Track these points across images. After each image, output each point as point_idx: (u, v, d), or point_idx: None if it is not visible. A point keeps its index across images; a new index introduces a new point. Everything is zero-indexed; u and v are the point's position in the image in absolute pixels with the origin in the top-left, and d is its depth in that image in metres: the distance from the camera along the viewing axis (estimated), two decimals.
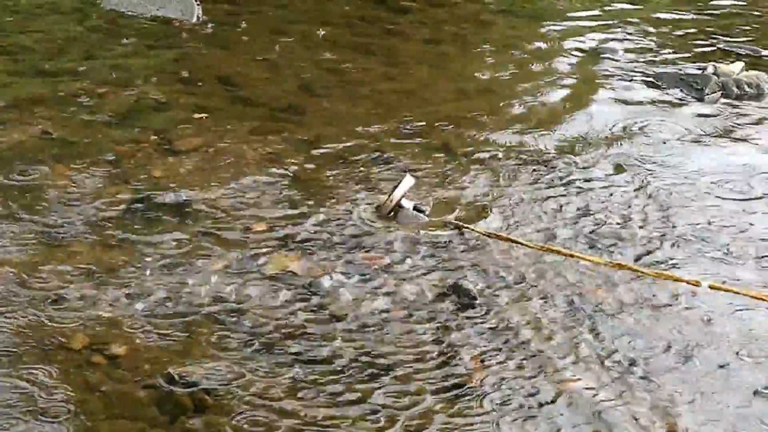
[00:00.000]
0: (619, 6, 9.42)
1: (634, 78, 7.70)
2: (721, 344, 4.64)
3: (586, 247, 5.37)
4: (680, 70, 7.80)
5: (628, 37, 8.60)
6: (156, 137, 6.43)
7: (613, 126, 6.86)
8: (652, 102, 7.29)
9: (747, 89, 7.42)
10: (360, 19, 8.81)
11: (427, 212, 5.64)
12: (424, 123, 6.81)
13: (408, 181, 5.69)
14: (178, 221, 5.50)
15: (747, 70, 7.67)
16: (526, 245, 5.31)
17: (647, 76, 7.70)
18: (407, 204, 5.62)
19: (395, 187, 5.63)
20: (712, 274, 5.15)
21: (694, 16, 9.18)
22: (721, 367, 4.48)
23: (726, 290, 4.96)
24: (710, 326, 4.76)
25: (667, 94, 7.39)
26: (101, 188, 5.80)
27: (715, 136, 6.77)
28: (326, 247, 5.29)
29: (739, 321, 4.81)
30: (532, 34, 8.87)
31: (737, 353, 4.58)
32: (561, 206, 5.79)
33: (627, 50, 8.26)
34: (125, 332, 4.60)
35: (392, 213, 5.60)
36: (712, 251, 5.38)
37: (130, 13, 8.69)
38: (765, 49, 8.34)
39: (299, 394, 4.25)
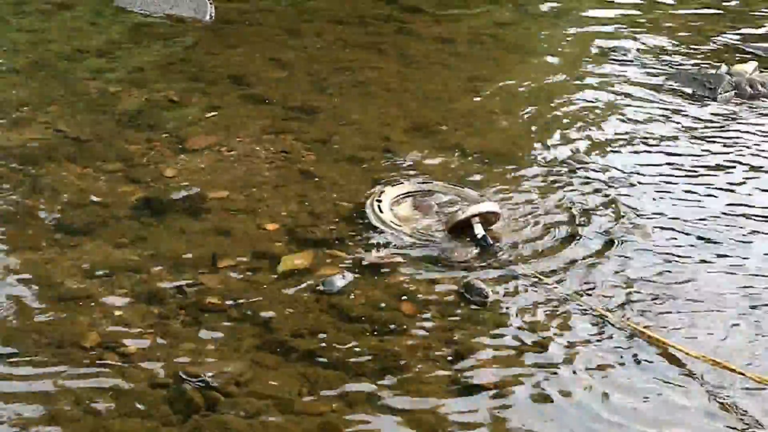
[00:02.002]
0: (633, 6, 9.39)
1: (647, 77, 7.68)
2: None
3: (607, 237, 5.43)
4: (693, 69, 7.78)
5: (642, 36, 8.58)
6: (168, 136, 6.44)
7: (624, 125, 6.85)
8: (665, 101, 7.27)
9: (760, 88, 7.40)
10: (373, 18, 8.81)
11: (494, 248, 5.29)
12: (436, 122, 6.80)
13: (486, 206, 5.42)
14: (190, 219, 5.51)
15: (760, 70, 7.65)
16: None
17: (661, 75, 7.68)
18: (478, 230, 5.31)
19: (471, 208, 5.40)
20: None
21: (707, 16, 9.16)
22: None
23: None
24: None
25: (680, 93, 7.37)
26: (113, 187, 5.82)
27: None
28: (338, 246, 5.30)
29: None
30: (545, 33, 8.86)
31: None
32: (574, 203, 5.78)
33: (641, 50, 8.24)
34: (137, 330, 4.61)
35: (452, 230, 5.38)
36: None
37: (143, 11, 8.71)
38: None
39: (310, 392, 4.25)
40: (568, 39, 8.63)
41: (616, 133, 6.73)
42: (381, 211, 5.52)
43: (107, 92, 7.08)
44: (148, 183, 5.85)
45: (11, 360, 4.40)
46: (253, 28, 8.54)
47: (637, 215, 5.69)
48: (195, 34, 8.33)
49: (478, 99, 7.28)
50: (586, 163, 6.28)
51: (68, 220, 5.47)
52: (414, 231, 5.43)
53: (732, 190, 6.03)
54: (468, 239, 5.34)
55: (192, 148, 6.28)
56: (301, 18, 8.79)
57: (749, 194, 6.01)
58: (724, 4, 9.53)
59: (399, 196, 5.72)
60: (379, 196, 5.65)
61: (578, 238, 5.43)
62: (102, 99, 6.98)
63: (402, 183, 5.86)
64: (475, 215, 5.35)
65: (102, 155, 6.17)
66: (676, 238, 5.48)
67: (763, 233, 5.58)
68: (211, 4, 8.74)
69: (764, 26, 8.89)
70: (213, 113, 6.80)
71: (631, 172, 6.19)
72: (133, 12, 8.72)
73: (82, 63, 7.64)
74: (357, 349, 4.51)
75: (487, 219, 5.41)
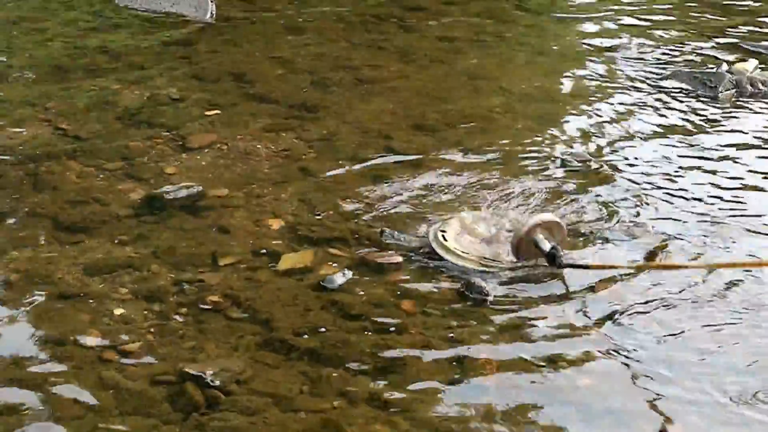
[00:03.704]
0: (633, 4, 9.39)
1: (648, 75, 7.68)
2: None
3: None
4: (694, 67, 7.78)
5: (642, 34, 8.58)
6: (169, 134, 6.44)
7: (624, 123, 6.85)
8: (665, 100, 7.27)
9: (761, 87, 7.40)
10: (374, 16, 8.81)
11: (563, 259, 5.03)
12: (438, 120, 6.81)
13: (541, 217, 5.17)
14: (190, 217, 5.51)
15: (761, 69, 7.64)
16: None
17: (661, 74, 7.68)
18: (544, 245, 5.05)
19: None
20: None
21: (707, 14, 9.16)
22: None
23: None
24: None
25: (681, 91, 7.37)
26: (114, 184, 5.82)
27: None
28: (339, 244, 5.29)
29: None
30: (545, 31, 8.86)
31: None
32: (575, 200, 5.78)
33: (641, 47, 8.24)
34: (137, 328, 4.61)
35: (519, 253, 5.14)
36: None
37: (143, 9, 8.72)
38: None
39: (311, 390, 4.26)
40: (569, 37, 8.63)
41: (616, 132, 6.73)
42: (445, 240, 5.21)
43: (108, 90, 7.08)
44: (149, 181, 5.86)
45: (11, 358, 4.40)
46: (255, 26, 8.54)
47: (638, 214, 5.69)
48: (196, 32, 8.34)
49: (479, 97, 7.28)
50: (587, 160, 6.28)
51: (69, 217, 5.47)
52: (482, 260, 5.17)
53: (734, 188, 6.02)
54: (541, 258, 5.11)
55: (193, 146, 6.29)
56: (303, 16, 8.79)
57: (751, 193, 6.01)
58: (725, 2, 9.52)
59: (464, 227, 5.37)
60: (443, 227, 5.32)
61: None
62: (102, 97, 6.98)
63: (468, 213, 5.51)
64: (535, 228, 5.09)
65: (102, 153, 6.18)
66: (681, 239, 5.48)
67: (762, 233, 5.58)
68: (212, 2, 8.74)
69: (765, 24, 8.89)
70: (214, 111, 6.80)
71: (631, 171, 6.19)
72: (134, 10, 8.72)
73: (83, 61, 7.65)
74: (357, 347, 4.51)
75: (551, 231, 5.13)
